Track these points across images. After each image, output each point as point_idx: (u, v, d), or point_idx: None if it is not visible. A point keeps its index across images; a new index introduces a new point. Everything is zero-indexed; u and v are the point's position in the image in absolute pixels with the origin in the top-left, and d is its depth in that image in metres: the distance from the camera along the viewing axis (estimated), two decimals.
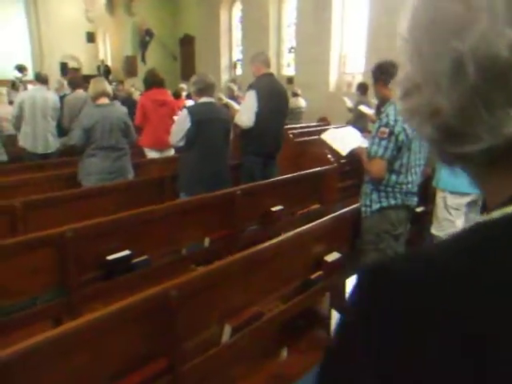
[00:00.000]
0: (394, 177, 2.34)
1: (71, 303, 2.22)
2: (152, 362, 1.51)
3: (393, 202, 2.38)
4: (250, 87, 3.56)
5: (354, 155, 2.53)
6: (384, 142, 2.25)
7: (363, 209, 2.47)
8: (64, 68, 14.72)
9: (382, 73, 2.41)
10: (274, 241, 2.00)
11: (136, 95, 8.33)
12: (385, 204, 2.38)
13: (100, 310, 1.39)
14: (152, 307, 1.48)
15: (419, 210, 3.03)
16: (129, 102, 5.98)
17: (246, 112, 3.51)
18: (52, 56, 15.01)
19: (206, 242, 2.87)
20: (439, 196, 3.02)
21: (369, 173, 2.37)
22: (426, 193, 3.18)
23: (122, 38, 15.90)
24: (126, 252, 2.39)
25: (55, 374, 1.29)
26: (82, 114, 3.56)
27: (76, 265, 2.20)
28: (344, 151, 2.50)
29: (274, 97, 3.60)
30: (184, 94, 8.56)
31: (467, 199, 2.92)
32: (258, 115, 3.47)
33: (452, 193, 2.92)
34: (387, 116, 2.27)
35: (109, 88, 3.58)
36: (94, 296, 2.32)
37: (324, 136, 2.70)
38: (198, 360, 1.65)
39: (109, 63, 16.49)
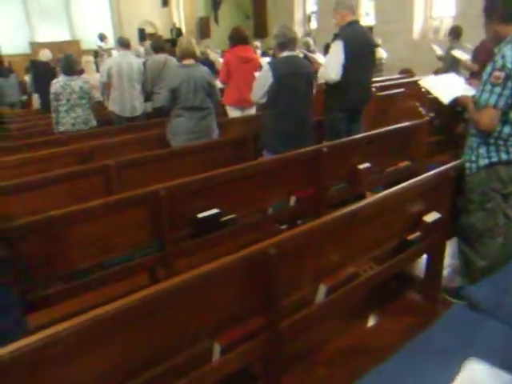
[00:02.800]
0: (507, 128, 2.05)
1: (166, 257, 2.32)
2: (250, 319, 1.52)
3: (504, 156, 2.10)
4: (336, 37, 3.32)
5: (458, 104, 2.27)
6: (498, 89, 1.97)
7: (468, 165, 2.23)
8: (142, 34, 15.14)
9: (497, 6, 2.07)
10: (372, 199, 1.87)
11: (212, 56, 8.33)
12: (495, 159, 2.11)
13: (199, 268, 1.39)
14: (251, 265, 1.46)
15: None
16: (206, 63, 5.98)
17: (332, 65, 3.30)
18: (130, 23, 15.46)
19: (292, 200, 2.81)
20: None
21: (477, 124, 2.10)
22: None
23: (194, 0, 15.87)
24: (215, 210, 2.42)
25: (152, 329, 1.33)
26: (168, 76, 3.61)
27: (169, 222, 2.27)
28: (446, 99, 2.24)
29: (363, 47, 3.34)
30: (259, 51, 8.39)
31: None
32: (346, 68, 3.24)
33: None
34: (503, 57, 1.96)
35: (196, 48, 3.57)
36: (186, 251, 2.40)
37: (423, 82, 2.44)
38: (294, 318, 1.64)
39: (182, 26, 16.63)
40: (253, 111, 4.60)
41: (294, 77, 3.03)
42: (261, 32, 14.38)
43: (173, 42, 11.77)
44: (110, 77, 4.93)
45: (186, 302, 1.38)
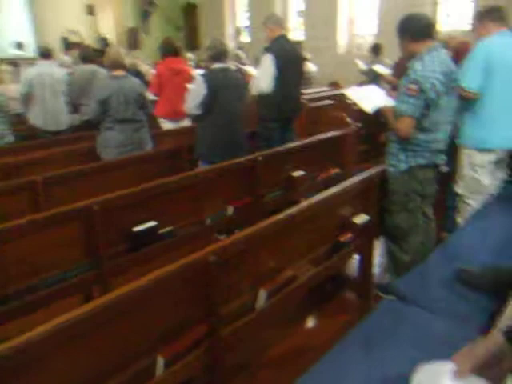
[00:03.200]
0: (422, 135, 2.27)
1: (101, 275, 2.23)
2: (192, 329, 1.52)
3: (421, 160, 2.32)
4: (267, 50, 3.45)
5: (379, 113, 2.46)
6: (412, 100, 2.17)
7: (390, 169, 2.42)
8: (66, 43, 14.46)
9: (408, 27, 2.29)
10: (305, 204, 1.96)
11: (143, 68, 8.19)
12: (413, 163, 2.32)
13: (139, 280, 1.38)
14: (191, 274, 1.47)
15: (444, 169, 2.97)
16: (136, 75, 5.86)
17: (264, 77, 3.41)
18: (52, 31, 14.70)
19: (230, 210, 2.85)
20: (463, 153, 2.94)
21: (396, 132, 2.30)
22: (451, 151, 3.10)
23: (122, 9, 15.50)
24: (152, 223, 2.38)
25: (93, 347, 1.29)
26: (97, 87, 3.50)
27: (104, 237, 2.20)
28: (369, 109, 2.43)
29: (292, 60, 3.49)
30: (192, 63, 8.40)
31: (493, 156, 2.84)
32: (276, 80, 3.37)
33: (477, 150, 2.85)
34: (415, 72, 2.18)
35: (125, 59, 3.49)
36: (122, 267, 2.33)
37: (348, 92, 2.62)
38: (235, 325, 1.66)
39: (110, 36, 16.14)
40: (186, 123, 4.59)
41: (226, 88, 3.09)
42: (192, 44, 14.40)
43: (100, 52, 11.38)
44: (31, 88, 4.66)
45: (126, 317, 1.36)
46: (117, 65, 3.39)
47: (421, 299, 1.74)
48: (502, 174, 3.01)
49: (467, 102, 2.77)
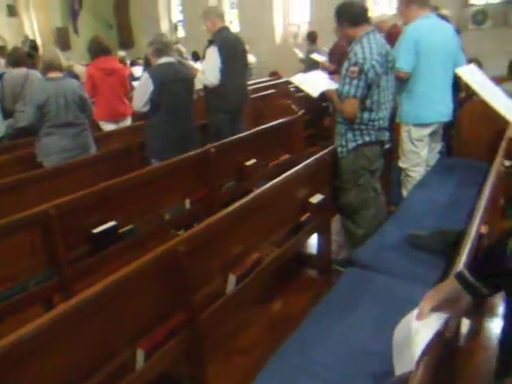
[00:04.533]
0: (366, 114, 2.41)
1: (64, 282, 2.18)
2: (168, 318, 1.54)
3: (367, 138, 2.46)
4: (211, 43, 3.46)
5: (325, 97, 2.57)
6: (355, 81, 2.30)
7: (339, 149, 2.55)
8: None
9: (345, 13, 2.42)
10: (264, 188, 2.03)
11: (77, 69, 7.85)
12: (360, 141, 2.46)
13: (110, 276, 1.38)
14: (162, 265, 1.49)
15: (387, 146, 3.16)
16: (71, 77, 5.63)
17: (210, 70, 3.43)
18: None
19: (187, 203, 2.86)
20: (403, 130, 3.15)
21: (342, 113, 2.43)
22: (392, 128, 3.30)
23: (48, 8, 14.70)
24: (112, 223, 2.35)
25: (70, 348, 1.28)
26: (33, 91, 3.33)
27: (63, 242, 2.14)
28: (315, 93, 2.53)
29: (235, 50, 3.54)
30: (128, 61, 8.19)
31: (429, 130, 3.07)
32: (222, 71, 3.40)
33: (415, 125, 3.06)
34: (355, 55, 2.30)
35: (61, 59, 3.34)
36: (85, 271, 2.28)
37: (293, 79, 2.72)
38: (209, 310, 1.70)
39: (37, 37, 15.28)
40: (128, 123, 4.49)
41: (174, 83, 3.07)
42: (126, 42, 13.97)
43: (28, 55, 10.73)
44: None
45: (102, 313, 1.35)
46: (53, 66, 3.24)
47: (380, 266, 1.88)
48: (436, 145, 3.27)
49: (403, 82, 2.96)
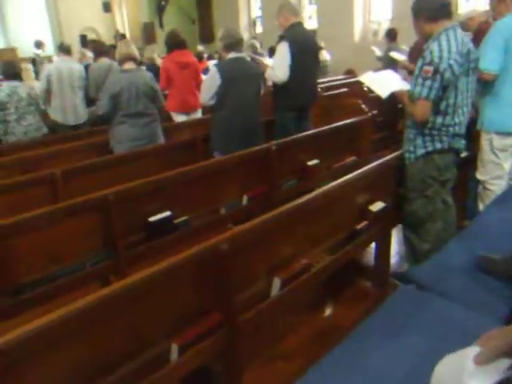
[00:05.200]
0: (440, 119, 2.20)
1: (118, 264, 2.27)
2: (206, 316, 1.52)
3: (439, 145, 2.25)
4: (282, 39, 3.40)
5: (395, 98, 2.40)
6: (428, 82, 2.11)
7: (407, 155, 2.36)
8: (83, 40, 14.66)
9: (423, 7, 2.22)
10: (320, 191, 1.94)
11: (159, 61, 8.22)
12: (430, 148, 2.26)
13: (152, 267, 1.38)
14: (203, 262, 1.47)
15: (463, 154, 2.89)
16: (153, 69, 5.89)
17: (279, 66, 3.37)
18: (70, 29, 14.93)
19: (244, 199, 2.84)
20: (484, 138, 2.86)
21: (412, 116, 2.24)
22: (471, 136, 3.02)
23: (137, 4, 15.62)
24: (167, 213, 2.40)
25: (110, 333, 1.30)
26: (108, 81, 3.52)
27: (120, 227, 2.22)
28: (384, 94, 2.37)
29: (307, 48, 3.45)
30: (205, 55, 8.39)
31: None
32: (292, 68, 3.33)
33: (498, 133, 2.77)
34: (431, 53, 2.11)
35: (136, 52, 3.50)
36: (139, 257, 2.35)
37: (362, 78, 2.57)
38: (250, 313, 1.66)
39: (126, 32, 16.28)
40: (198, 115, 4.60)
41: (241, 78, 3.07)
42: (207, 36, 14.38)
43: (114, 48, 11.47)
44: (50, 83, 4.75)
45: (139, 304, 1.36)
46: (127, 58, 3.40)
47: (439, 287, 1.70)
48: None
49: (487, 85, 2.68)
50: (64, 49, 5.06)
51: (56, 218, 2.04)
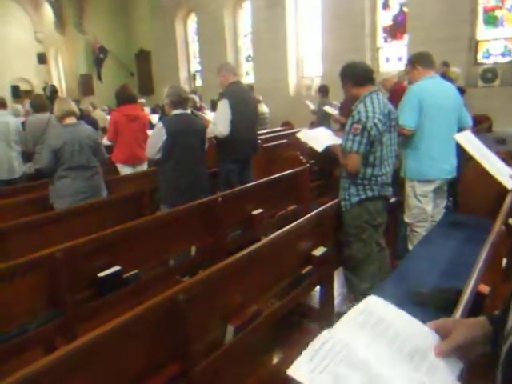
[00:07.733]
0: (369, 170, 2.48)
1: (67, 324, 2.19)
2: (165, 367, 1.54)
3: (370, 193, 2.52)
4: (222, 96, 3.65)
5: (329, 152, 2.66)
6: (358, 138, 2.39)
7: (343, 203, 2.60)
8: (15, 91, 14.27)
9: (349, 74, 2.55)
10: (266, 240, 2.07)
11: (96, 113, 8.21)
12: (363, 196, 2.52)
13: (108, 324, 1.40)
14: (161, 314, 1.51)
15: (392, 200, 3.20)
16: (88, 121, 5.88)
17: (220, 122, 3.59)
18: (2, 79, 14.52)
19: (193, 250, 2.90)
20: (408, 185, 3.20)
21: (345, 167, 2.50)
22: (397, 183, 3.36)
23: (75, 56, 15.61)
24: (117, 267, 2.39)
25: None
26: (50, 136, 3.50)
27: (68, 285, 2.17)
28: (320, 148, 2.63)
29: (246, 103, 3.71)
30: (147, 109, 8.54)
31: (433, 186, 3.11)
32: (233, 123, 3.55)
33: (419, 181, 3.11)
34: (358, 113, 2.41)
35: (75, 107, 3.54)
36: (89, 314, 2.30)
37: (299, 135, 2.83)
38: (207, 361, 1.70)
39: (63, 83, 16.12)
40: (145, 167, 4.66)
41: (186, 133, 3.21)
42: (146, 89, 14.62)
43: (49, 100, 11.25)
44: None
45: (98, 360, 1.37)
46: (68, 113, 3.42)
47: None
48: (441, 201, 3.30)
49: (407, 139, 3.05)
50: (0, 102, 4.95)
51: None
